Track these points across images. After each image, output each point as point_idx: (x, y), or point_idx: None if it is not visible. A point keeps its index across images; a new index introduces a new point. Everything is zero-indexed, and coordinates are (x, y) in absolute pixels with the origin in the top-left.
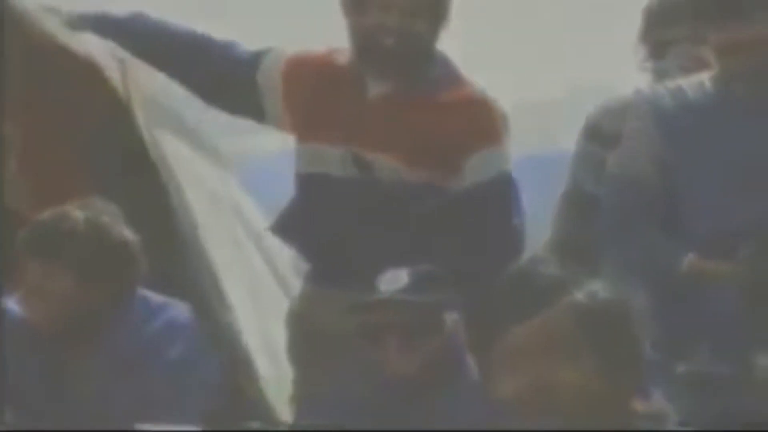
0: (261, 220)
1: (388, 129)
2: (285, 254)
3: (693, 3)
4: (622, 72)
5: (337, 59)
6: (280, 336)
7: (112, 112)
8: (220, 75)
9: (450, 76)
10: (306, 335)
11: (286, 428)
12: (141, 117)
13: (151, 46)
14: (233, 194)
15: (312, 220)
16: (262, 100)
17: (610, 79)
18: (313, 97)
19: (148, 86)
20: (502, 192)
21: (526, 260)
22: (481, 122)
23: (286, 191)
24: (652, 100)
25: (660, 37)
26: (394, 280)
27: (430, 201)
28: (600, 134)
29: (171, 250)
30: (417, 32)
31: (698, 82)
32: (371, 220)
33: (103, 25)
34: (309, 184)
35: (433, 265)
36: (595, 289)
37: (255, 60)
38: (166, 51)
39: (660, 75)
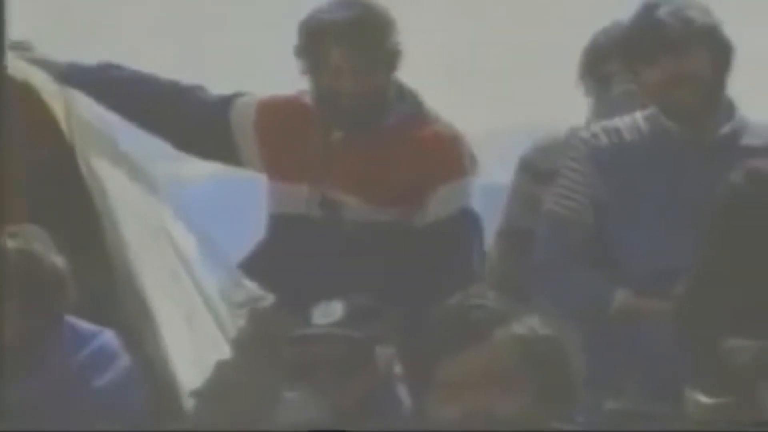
0: (193, 247)
1: (355, 169)
2: (214, 282)
3: (626, 39)
4: (550, 110)
5: (305, 101)
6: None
7: (50, 139)
8: (193, 119)
9: (416, 111)
10: (258, 343)
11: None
12: (79, 144)
13: (122, 96)
14: (167, 222)
15: (281, 259)
16: (236, 141)
17: (533, 119)
18: (283, 138)
19: (85, 113)
20: (465, 226)
21: (464, 294)
22: (445, 157)
23: (216, 217)
24: (588, 139)
25: (602, 71)
26: (328, 313)
27: (396, 238)
28: (534, 171)
29: (103, 278)
30: (372, 87)
31: (633, 120)
32: (338, 258)
33: (73, 75)
34: (279, 224)
35: (396, 301)
36: (535, 323)
37: (227, 102)
38: (138, 100)
39: (606, 104)
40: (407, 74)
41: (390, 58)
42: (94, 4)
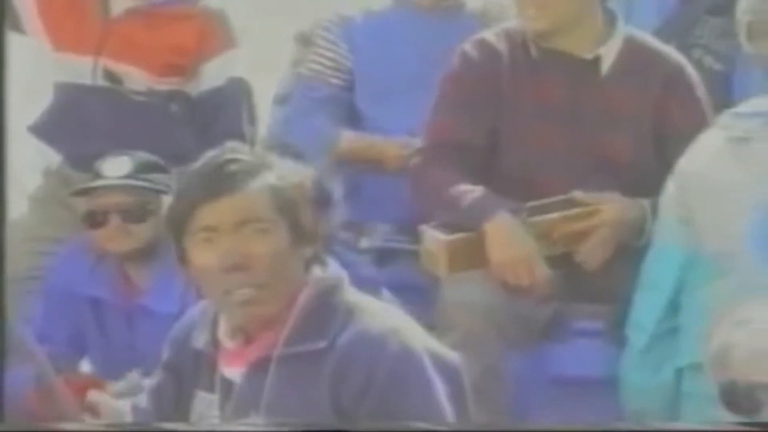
0: None
1: (133, 42)
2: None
3: None
4: None
5: None
6: None
7: None
8: None
9: None
10: (51, 198)
11: None
12: None
13: None
14: None
15: (68, 123)
16: (17, 10)
17: None
18: (64, 10)
19: None
20: (234, 94)
21: (220, 149)
22: (215, 30)
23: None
24: (343, 15)
25: None
26: (117, 166)
27: (175, 106)
28: None
29: None
30: None
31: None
32: (122, 123)
33: None
34: (65, 92)
35: (174, 162)
36: (287, 171)
37: None
38: None
39: None
40: None
41: None
42: None
